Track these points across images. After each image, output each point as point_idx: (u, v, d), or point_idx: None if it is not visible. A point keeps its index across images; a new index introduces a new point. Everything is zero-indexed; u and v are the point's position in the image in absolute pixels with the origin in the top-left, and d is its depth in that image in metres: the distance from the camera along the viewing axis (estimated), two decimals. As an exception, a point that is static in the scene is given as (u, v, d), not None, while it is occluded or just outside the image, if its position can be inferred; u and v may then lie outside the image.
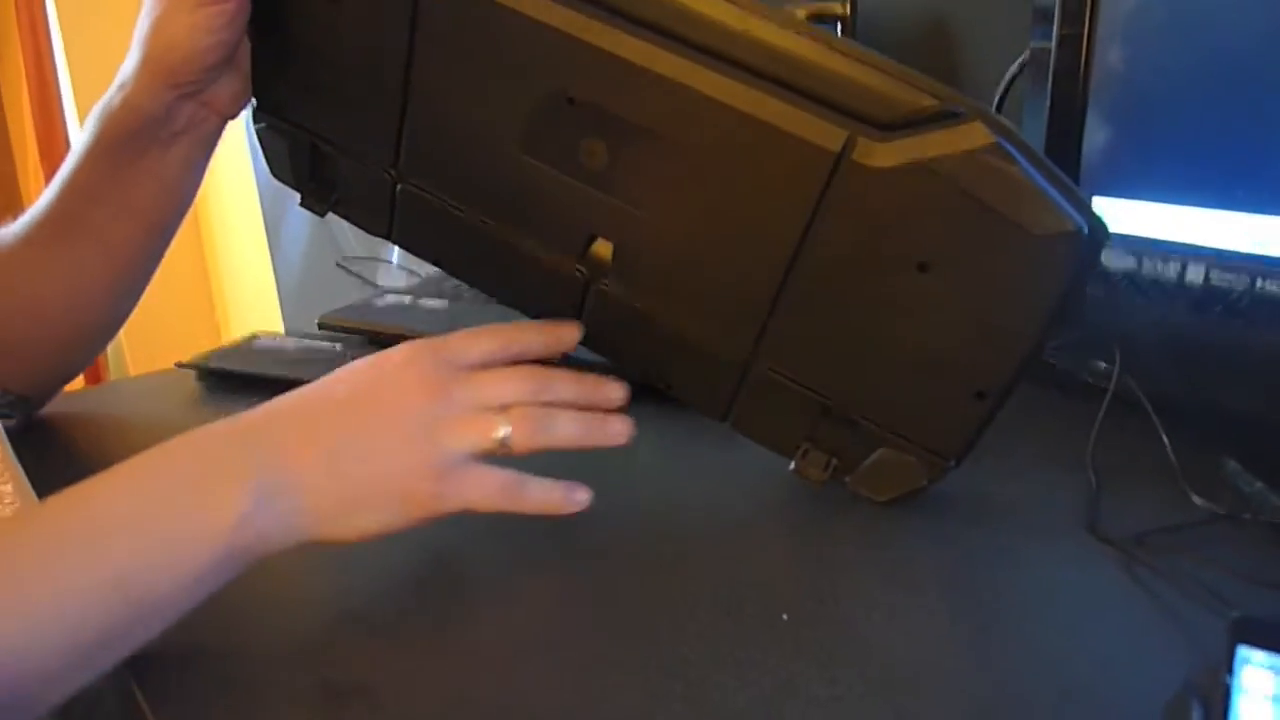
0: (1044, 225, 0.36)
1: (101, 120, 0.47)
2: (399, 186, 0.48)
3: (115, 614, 0.31)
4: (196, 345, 0.71)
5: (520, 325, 0.44)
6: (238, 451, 0.35)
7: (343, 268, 0.91)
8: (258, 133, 0.52)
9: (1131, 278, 0.52)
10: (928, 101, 0.36)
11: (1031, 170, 0.36)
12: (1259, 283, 0.47)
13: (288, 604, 0.41)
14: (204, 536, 0.32)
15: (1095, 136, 0.54)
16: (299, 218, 1.41)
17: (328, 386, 0.38)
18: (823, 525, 0.46)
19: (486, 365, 0.41)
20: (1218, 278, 0.48)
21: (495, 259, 0.47)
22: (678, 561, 0.43)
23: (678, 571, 0.42)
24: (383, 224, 0.51)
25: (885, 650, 0.36)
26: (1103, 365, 0.54)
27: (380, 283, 0.90)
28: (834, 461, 0.46)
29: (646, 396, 0.58)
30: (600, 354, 0.49)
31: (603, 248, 0.44)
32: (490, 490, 0.39)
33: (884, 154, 0.37)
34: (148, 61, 0.45)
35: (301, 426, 0.37)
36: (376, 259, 0.93)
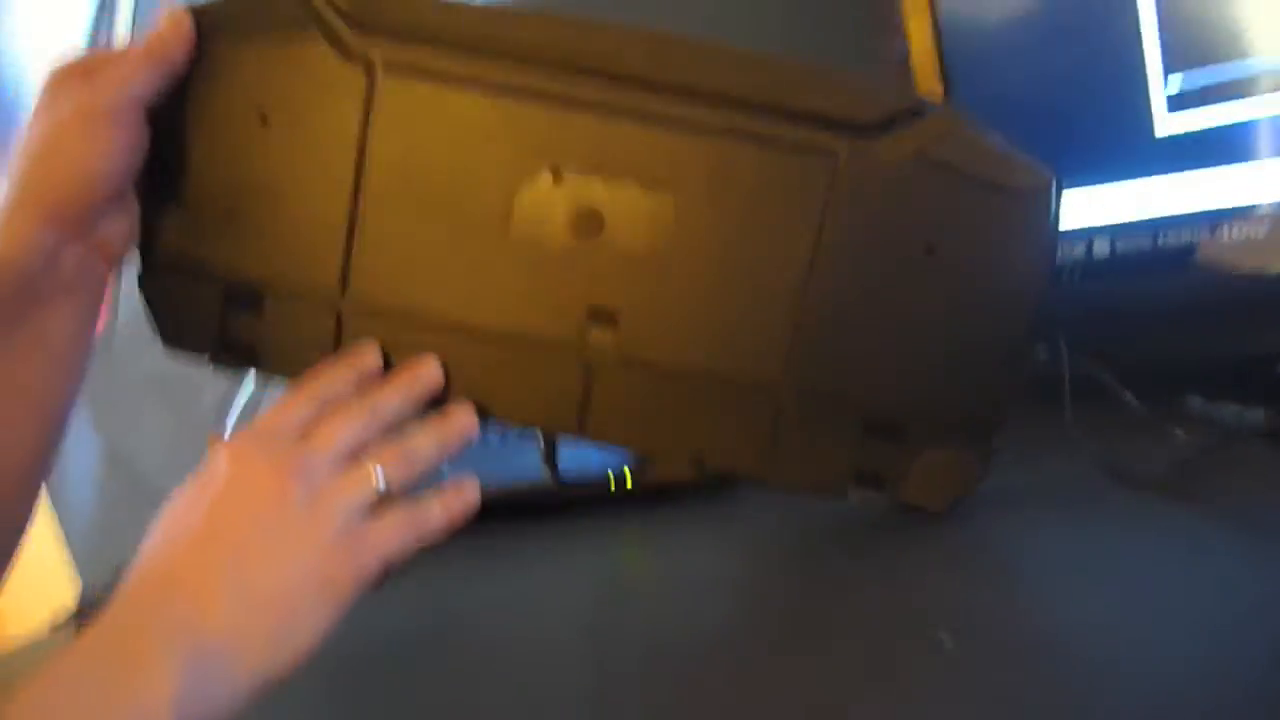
0: (1028, 182, 0.40)
1: None
2: (346, 316, 0.44)
3: None
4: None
5: (326, 370, 0.41)
6: (150, 626, 0.32)
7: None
8: (148, 293, 0.45)
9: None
10: (904, 98, 0.40)
11: (999, 141, 0.40)
12: (1159, 239, 0.52)
13: None
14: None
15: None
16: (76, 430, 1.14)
17: (180, 525, 0.35)
18: (880, 551, 0.45)
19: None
20: (1122, 246, 0.54)
21: (476, 365, 0.43)
22: (776, 646, 0.40)
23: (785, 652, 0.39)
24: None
25: (1055, 648, 0.35)
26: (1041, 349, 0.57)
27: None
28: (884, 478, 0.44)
29: (604, 509, 0.54)
30: (617, 444, 0.46)
31: (602, 323, 0.42)
32: (399, 533, 0.37)
33: (881, 152, 0.40)
34: (27, 199, 0.38)
35: (187, 574, 0.33)
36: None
